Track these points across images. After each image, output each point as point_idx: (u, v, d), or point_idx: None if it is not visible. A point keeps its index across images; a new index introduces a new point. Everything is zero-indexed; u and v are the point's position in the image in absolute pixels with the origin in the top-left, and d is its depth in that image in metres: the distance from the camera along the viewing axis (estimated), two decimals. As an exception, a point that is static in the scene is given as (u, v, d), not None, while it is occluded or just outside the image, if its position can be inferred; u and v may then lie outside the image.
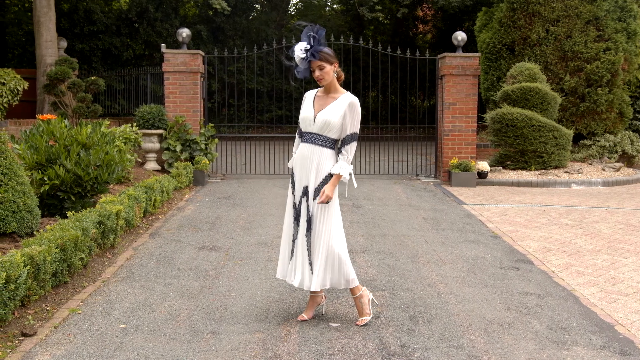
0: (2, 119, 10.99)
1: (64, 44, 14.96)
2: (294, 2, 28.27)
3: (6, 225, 5.35)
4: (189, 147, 11.00)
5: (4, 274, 3.84)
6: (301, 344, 3.87)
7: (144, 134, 10.84)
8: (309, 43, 4.00)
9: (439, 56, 11.66)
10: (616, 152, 13.49)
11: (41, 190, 6.32)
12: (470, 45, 17.51)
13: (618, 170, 12.23)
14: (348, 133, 4.09)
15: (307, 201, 4.13)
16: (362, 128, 18.26)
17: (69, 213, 5.65)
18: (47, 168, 6.39)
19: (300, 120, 4.25)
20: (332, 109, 4.08)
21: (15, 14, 20.16)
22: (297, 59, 4.05)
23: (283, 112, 18.64)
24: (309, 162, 4.14)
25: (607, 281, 5.33)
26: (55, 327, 4.09)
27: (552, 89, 12.86)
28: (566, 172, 11.69)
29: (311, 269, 4.12)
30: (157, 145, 11.07)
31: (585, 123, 13.59)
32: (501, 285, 5.15)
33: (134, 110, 12.09)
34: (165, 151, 10.93)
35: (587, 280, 5.37)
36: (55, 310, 4.40)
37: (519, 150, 11.73)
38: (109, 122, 7.97)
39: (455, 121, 11.23)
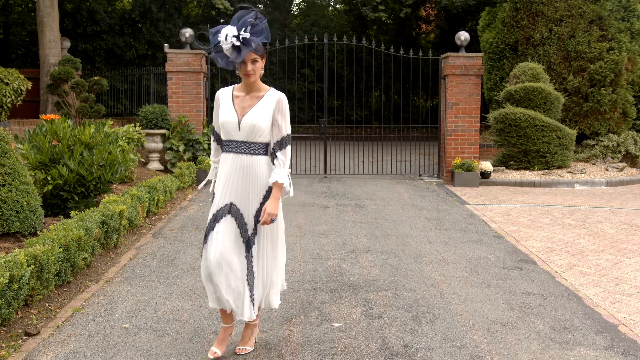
0: (6, 119, 11.01)
1: (67, 44, 14.99)
2: (296, 2, 28.27)
3: (10, 225, 5.36)
4: (192, 147, 11.01)
5: (8, 274, 3.84)
6: (304, 344, 3.87)
7: (147, 134, 10.85)
8: (245, 30, 3.33)
9: (442, 56, 11.64)
10: (619, 152, 13.46)
11: (44, 190, 6.34)
12: (473, 45, 17.49)
13: (621, 170, 12.20)
14: (283, 135, 3.51)
15: (236, 220, 3.51)
16: (364, 128, 18.39)
17: (72, 213, 5.66)
18: (51, 168, 6.40)
19: (220, 125, 3.57)
20: (259, 111, 3.48)
21: (19, 14, 20.20)
22: (225, 46, 3.35)
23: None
24: (238, 176, 3.51)
25: (610, 281, 5.32)
26: (58, 326, 4.10)
27: (556, 88, 12.84)
28: (569, 172, 11.67)
29: (252, 298, 3.57)
30: (160, 145, 11.08)
31: (588, 123, 13.57)
32: (504, 286, 5.14)
33: (137, 110, 12.10)
34: (168, 151, 10.94)
35: (591, 280, 5.36)
36: (58, 310, 4.41)
37: (522, 150, 11.71)
38: (112, 122, 7.99)
39: (458, 121, 11.22)
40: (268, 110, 3.49)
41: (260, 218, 3.50)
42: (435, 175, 11.94)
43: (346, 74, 21.60)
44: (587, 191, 10.59)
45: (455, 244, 6.58)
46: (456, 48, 11.37)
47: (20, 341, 3.85)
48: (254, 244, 3.55)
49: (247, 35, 3.33)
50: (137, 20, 20.15)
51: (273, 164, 3.53)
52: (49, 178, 6.33)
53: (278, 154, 3.50)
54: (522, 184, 10.97)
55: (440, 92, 11.82)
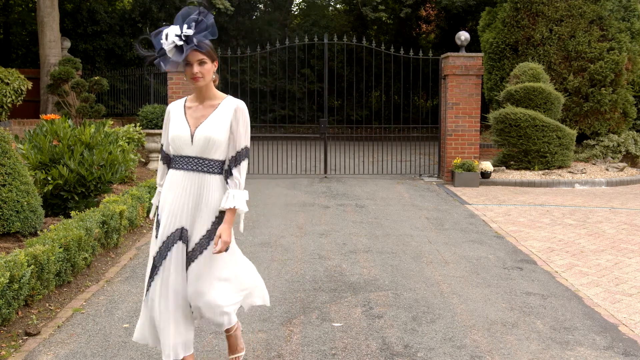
0: (6, 119, 11.01)
1: (68, 44, 15.00)
2: (297, 2, 28.27)
3: (10, 225, 5.36)
4: (192, 147, 10.99)
5: (8, 274, 3.85)
6: (304, 344, 3.88)
7: (147, 134, 10.85)
8: (189, 27, 2.97)
9: (442, 56, 11.65)
10: (620, 152, 13.46)
11: (45, 190, 6.34)
12: (473, 45, 17.50)
13: (622, 170, 12.20)
14: (239, 149, 3.08)
15: (186, 248, 3.07)
16: (365, 128, 18.38)
17: (72, 213, 5.67)
18: (51, 168, 6.40)
19: (169, 141, 3.15)
20: (215, 121, 3.05)
21: (19, 14, 20.20)
22: (167, 47, 2.97)
23: (286, 112, 18.66)
24: (188, 197, 3.06)
25: (610, 281, 5.32)
26: (58, 326, 4.10)
27: (556, 88, 12.84)
28: (570, 172, 11.67)
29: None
30: (160, 145, 11.08)
31: (588, 123, 13.56)
32: (504, 286, 5.14)
33: (137, 110, 12.11)
34: (168, 151, 10.92)
35: (591, 280, 5.36)
36: (58, 310, 4.41)
37: (523, 150, 11.71)
38: (112, 122, 7.99)
39: (458, 121, 11.22)
40: (224, 121, 3.06)
41: (214, 246, 3.03)
42: (436, 175, 11.94)
43: (346, 74, 21.59)
44: (587, 191, 10.58)
45: (455, 244, 6.58)
46: (456, 48, 11.37)
47: (20, 341, 3.85)
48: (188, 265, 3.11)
49: (190, 32, 2.96)
50: (138, 20, 20.16)
51: (226, 182, 3.08)
52: (49, 178, 6.33)
53: (233, 170, 3.07)
54: (522, 184, 10.97)
55: (440, 92, 11.82)
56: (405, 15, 21.72)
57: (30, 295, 4.30)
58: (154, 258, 3.09)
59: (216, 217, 3.07)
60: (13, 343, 3.81)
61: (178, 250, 3.05)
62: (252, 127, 19.28)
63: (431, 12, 25.42)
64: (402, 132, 17.61)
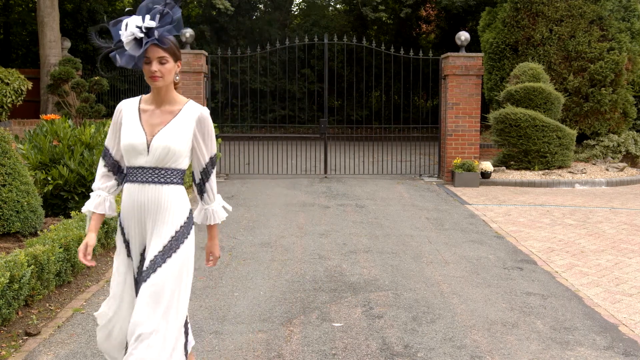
0: (6, 119, 11.02)
1: (68, 44, 15.00)
2: (297, 2, 28.28)
3: (10, 225, 5.36)
4: (192, 147, 11.01)
5: (8, 274, 3.85)
6: (304, 344, 3.88)
7: (148, 134, 10.86)
8: (153, 19, 2.62)
9: (442, 56, 11.65)
10: (620, 152, 13.46)
11: (45, 190, 6.34)
12: (473, 45, 17.49)
13: (622, 170, 12.20)
14: (207, 160, 2.82)
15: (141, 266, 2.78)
16: (365, 128, 18.40)
17: (72, 213, 5.67)
18: (51, 168, 6.41)
19: (122, 149, 2.75)
20: (174, 130, 2.71)
21: (19, 15, 20.21)
22: (125, 38, 2.62)
23: (286, 112, 18.66)
24: (146, 211, 2.72)
25: (610, 281, 5.32)
26: (59, 326, 4.10)
27: (556, 88, 12.84)
28: (570, 172, 11.67)
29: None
30: (160, 145, 11.09)
31: (588, 123, 13.57)
32: (504, 286, 5.14)
33: (137, 110, 12.09)
34: (168, 151, 10.93)
35: (591, 280, 5.36)
36: (59, 310, 4.41)
37: (523, 150, 11.71)
38: (112, 122, 7.98)
39: (458, 121, 11.22)
40: (186, 130, 2.73)
41: (206, 263, 3.00)
42: (436, 176, 11.94)
43: (346, 74, 21.59)
44: (587, 191, 10.58)
45: (455, 244, 6.58)
46: (456, 48, 11.37)
47: (20, 341, 3.85)
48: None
49: (153, 24, 2.60)
50: (138, 20, 20.16)
51: (201, 199, 2.89)
52: (49, 178, 6.33)
53: (205, 185, 2.85)
54: (522, 184, 10.97)
55: (440, 92, 11.82)
56: (405, 15, 21.72)
57: (30, 295, 4.30)
58: (135, 277, 2.81)
59: (176, 232, 2.71)
60: (13, 343, 3.81)
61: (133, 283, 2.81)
62: (252, 127, 19.16)
63: (431, 12, 25.42)
64: (402, 132, 17.61)
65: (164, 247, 2.68)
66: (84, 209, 2.87)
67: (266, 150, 14.06)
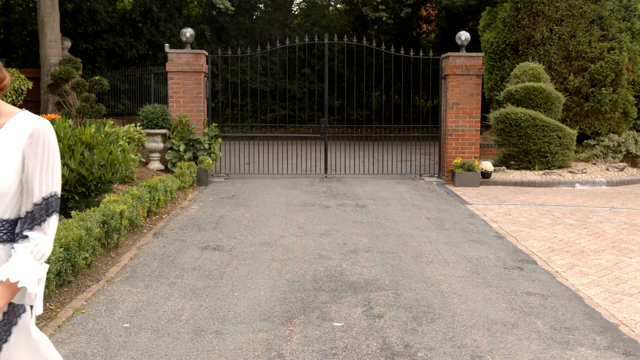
0: (7, 119, 11.02)
1: (68, 43, 15.00)
2: (297, 1, 28.26)
3: (10, 225, 5.35)
4: (193, 146, 11.01)
5: (8, 274, 3.85)
6: (304, 343, 3.87)
7: (148, 134, 10.85)
8: None
9: (443, 56, 11.64)
10: (620, 152, 13.46)
11: (45, 190, 6.33)
12: (473, 45, 17.49)
13: (622, 170, 12.20)
14: (39, 199, 1.89)
15: None
16: (365, 128, 18.42)
17: (72, 212, 5.67)
18: (51, 168, 6.40)
19: None
20: None
21: (20, 14, 20.20)
22: None
23: (287, 111, 18.65)
24: None
25: (611, 281, 5.32)
26: (59, 326, 4.10)
27: (556, 88, 12.84)
28: (570, 172, 11.66)
29: None
30: (160, 145, 11.08)
31: (589, 123, 13.56)
32: (505, 285, 5.14)
33: (137, 110, 12.10)
34: (168, 151, 10.94)
35: (591, 280, 5.35)
36: (59, 310, 4.41)
37: (523, 150, 11.70)
38: (112, 122, 7.99)
39: (458, 121, 11.22)
40: (11, 153, 1.86)
41: None
42: (436, 175, 11.94)
43: (347, 73, 21.58)
44: (587, 191, 10.58)
45: (455, 243, 6.58)
46: (457, 48, 11.36)
47: (21, 341, 3.85)
48: None
49: None
50: (138, 20, 20.16)
51: (14, 241, 1.91)
52: (49, 178, 6.32)
53: (35, 231, 1.89)
54: (522, 183, 10.96)
55: (440, 92, 11.82)
56: (405, 15, 21.71)
57: (30, 295, 4.30)
58: None
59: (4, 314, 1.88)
60: (13, 343, 3.81)
61: None
62: (252, 126, 19.09)
63: (431, 12, 25.41)
64: (402, 132, 17.60)
65: None
66: None
67: (266, 150, 14.06)
